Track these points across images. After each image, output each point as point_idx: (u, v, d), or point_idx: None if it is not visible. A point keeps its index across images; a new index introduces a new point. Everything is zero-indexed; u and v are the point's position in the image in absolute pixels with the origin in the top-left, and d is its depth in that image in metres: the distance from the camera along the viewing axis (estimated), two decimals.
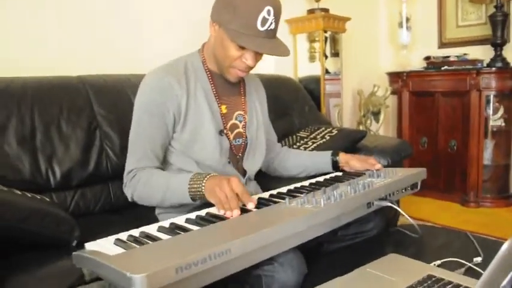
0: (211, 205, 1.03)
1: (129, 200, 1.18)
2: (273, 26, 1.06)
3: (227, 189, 0.96)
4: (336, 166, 1.37)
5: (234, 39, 1.06)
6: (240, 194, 0.97)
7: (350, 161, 1.34)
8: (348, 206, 0.96)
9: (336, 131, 2.11)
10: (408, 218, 1.10)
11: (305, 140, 2.08)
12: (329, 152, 1.40)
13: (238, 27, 1.04)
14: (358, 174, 1.29)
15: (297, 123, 2.29)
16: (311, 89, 2.67)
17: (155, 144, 1.15)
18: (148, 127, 1.13)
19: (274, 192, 1.15)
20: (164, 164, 1.20)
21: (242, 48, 1.08)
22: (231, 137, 1.23)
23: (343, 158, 1.36)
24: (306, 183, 1.24)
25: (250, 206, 0.97)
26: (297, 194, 1.08)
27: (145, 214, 1.24)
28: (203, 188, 1.03)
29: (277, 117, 2.22)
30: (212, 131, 1.16)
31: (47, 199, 1.19)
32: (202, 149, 1.16)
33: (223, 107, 1.21)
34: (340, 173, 1.36)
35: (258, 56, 1.11)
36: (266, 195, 1.11)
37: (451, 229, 1.30)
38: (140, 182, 1.13)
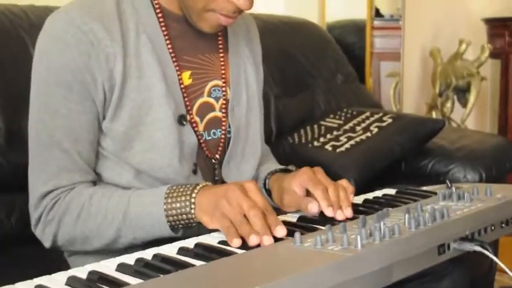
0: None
1: (47, 246, 1.19)
2: None
3: (245, 201, 1.00)
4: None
5: None
6: (263, 209, 1.02)
7: (273, 192, 1.29)
8: (405, 249, 0.96)
9: (391, 120, 2.13)
10: None
11: (335, 133, 2.09)
12: (269, 168, 1.36)
13: None
14: (425, 193, 1.29)
15: (321, 104, 2.31)
16: (349, 45, 2.67)
17: (81, 141, 1.16)
18: (64, 111, 1.14)
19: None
20: None
21: None
22: (201, 127, 1.24)
23: (271, 184, 1.32)
24: None
25: (280, 232, 0.99)
26: (317, 226, 1.08)
27: (46, 253, 1.25)
28: (193, 205, 1.08)
29: (287, 92, 2.24)
30: (166, 118, 1.17)
31: None
32: (148, 149, 1.17)
33: (186, 74, 1.22)
34: (391, 190, 1.37)
35: None
36: None
37: None
38: (69, 213, 1.15)
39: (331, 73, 2.40)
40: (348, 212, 1.12)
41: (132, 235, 1.13)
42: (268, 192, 1.33)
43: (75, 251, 1.22)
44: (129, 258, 0.96)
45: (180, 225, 1.10)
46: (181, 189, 1.10)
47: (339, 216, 1.11)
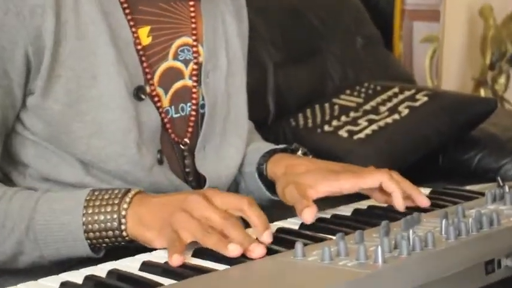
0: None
1: None
2: None
3: (211, 210, 1.02)
4: (270, 183, 1.35)
5: None
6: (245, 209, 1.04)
7: (279, 182, 1.28)
8: (441, 266, 0.96)
9: (426, 98, 2.14)
10: None
11: (352, 114, 2.10)
12: (262, 150, 1.38)
13: None
14: (469, 194, 1.31)
15: (335, 76, 2.32)
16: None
17: None
18: None
19: (271, 227, 1.13)
20: (9, 167, 1.22)
21: None
22: (166, 101, 1.25)
23: (273, 165, 1.34)
24: (346, 210, 1.26)
25: (266, 238, 1.02)
26: (325, 236, 1.08)
27: None
28: (123, 219, 1.07)
29: (290, 59, 2.24)
30: (117, 92, 1.17)
31: None
32: (93, 134, 1.17)
33: (144, 30, 1.23)
34: (425, 190, 1.37)
35: None
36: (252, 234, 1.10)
37: None
38: None
39: (349, 36, 2.41)
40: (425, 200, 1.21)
41: (38, 252, 1.11)
42: (262, 179, 1.34)
43: None
44: (77, 276, 0.96)
45: (104, 244, 1.09)
46: (106, 196, 1.09)
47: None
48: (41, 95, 1.14)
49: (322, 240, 1.05)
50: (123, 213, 1.07)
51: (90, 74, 1.16)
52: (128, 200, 1.08)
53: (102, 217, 1.07)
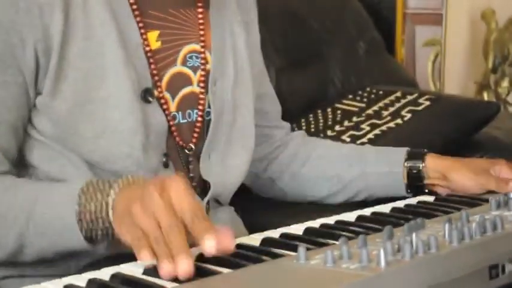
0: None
1: None
2: None
3: (161, 208, 0.93)
4: (415, 182, 1.43)
5: None
6: (189, 216, 0.93)
7: (451, 172, 1.39)
8: (444, 270, 0.96)
9: (429, 102, 2.14)
10: None
11: (355, 119, 2.10)
12: (402, 150, 1.45)
13: None
14: (473, 200, 1.30)
15: (337, 81, 2.31)
16: (375, 4, 2.67)
17: None
18: None
19: (273, 234, 1.15)
20: (17, 167, 1.22)
21: None
22: (173, 105, 1.26)
23: (434, 163, 1.41)
24: (350, 216, 1.26)
25: (208, 244, 0.91)
26: (326, 241, 1.08)
27: None
28: (110, 208, 1.03)
29: (292, 64, 2.24)
30: (125, 93, 1.18)
31: None
32: (100, 134, 1.18)
33: (153, 35, 1.24)
34: (428, 198, 1.38)
35: None
36: (256, 239, 1.12)
37: None
38: None
39: (351, 40, 2.40)
40: None
41: (38, 245, 1.11)
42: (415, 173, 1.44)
43: (10, 266, 1.20)
44: (80, 279, 0.96)
45: (99, 234, 1.05)
46: (100, 184, 1.05)
47: None
48: (49, 94, 1.15)
49: (324, 245, 1.05)
50: (110, 200, 1.02)
51: (98, 74, 1.16)
52: (116, 186, 1.03)
53: (93, 206, 1.04)
